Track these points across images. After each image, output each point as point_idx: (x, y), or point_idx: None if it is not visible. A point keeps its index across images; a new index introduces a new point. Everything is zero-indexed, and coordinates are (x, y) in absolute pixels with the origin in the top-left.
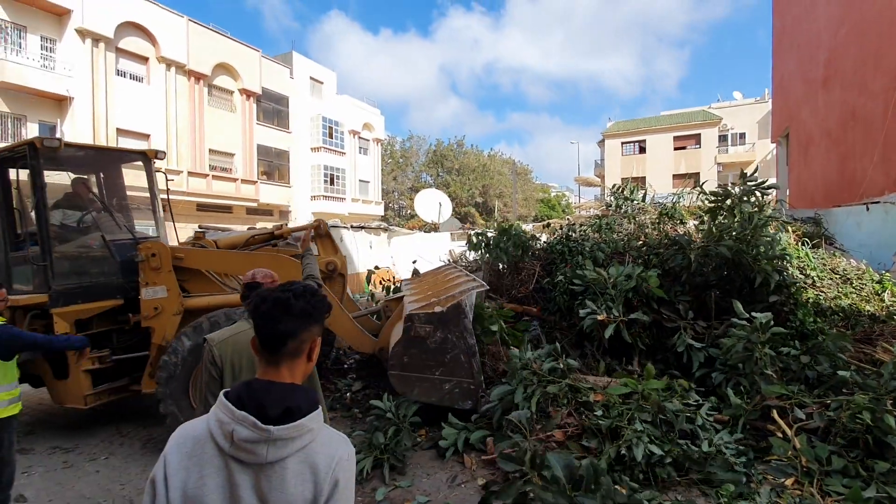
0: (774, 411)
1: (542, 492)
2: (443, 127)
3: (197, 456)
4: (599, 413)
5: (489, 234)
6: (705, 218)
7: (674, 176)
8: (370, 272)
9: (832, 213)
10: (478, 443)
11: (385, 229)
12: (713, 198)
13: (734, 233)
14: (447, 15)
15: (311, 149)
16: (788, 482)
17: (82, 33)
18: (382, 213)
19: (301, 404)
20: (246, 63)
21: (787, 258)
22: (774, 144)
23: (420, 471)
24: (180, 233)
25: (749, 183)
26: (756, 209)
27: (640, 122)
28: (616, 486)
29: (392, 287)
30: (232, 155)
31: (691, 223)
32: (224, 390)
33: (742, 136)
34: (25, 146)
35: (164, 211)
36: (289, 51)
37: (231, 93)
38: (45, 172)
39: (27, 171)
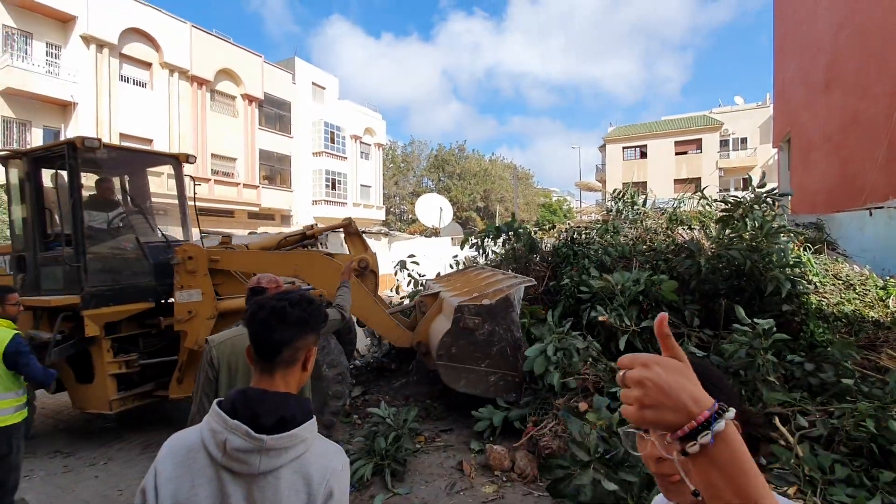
0: (776, 419)
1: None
2: (444, 131)
3: (189, 465)
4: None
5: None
6: (713, 226)
7: (675, 181)
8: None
9: (834, 218)
10: (517, 421)
11: (385, 234)
12: (724, 205)
13: (745, 241)
14: (448, 19)
15: (313, 153)
16: (791, 491)
17: (87, 39)
18: (384, 218)
19: (295, 414)
20: (248, 68)
21: (801, 266)
22: (776, 149)
23: (419, 478)
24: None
25: (759, 190)
26: (768, 217)
27: (642, 127)
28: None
29: (416, 285)
30: (234, 159)
31: (697, 230)
32: (217, 399)
33: (743, 140)
34: (64, 146)
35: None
36: (291, 56)
37: (233, 98)
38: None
39: (63, 171)
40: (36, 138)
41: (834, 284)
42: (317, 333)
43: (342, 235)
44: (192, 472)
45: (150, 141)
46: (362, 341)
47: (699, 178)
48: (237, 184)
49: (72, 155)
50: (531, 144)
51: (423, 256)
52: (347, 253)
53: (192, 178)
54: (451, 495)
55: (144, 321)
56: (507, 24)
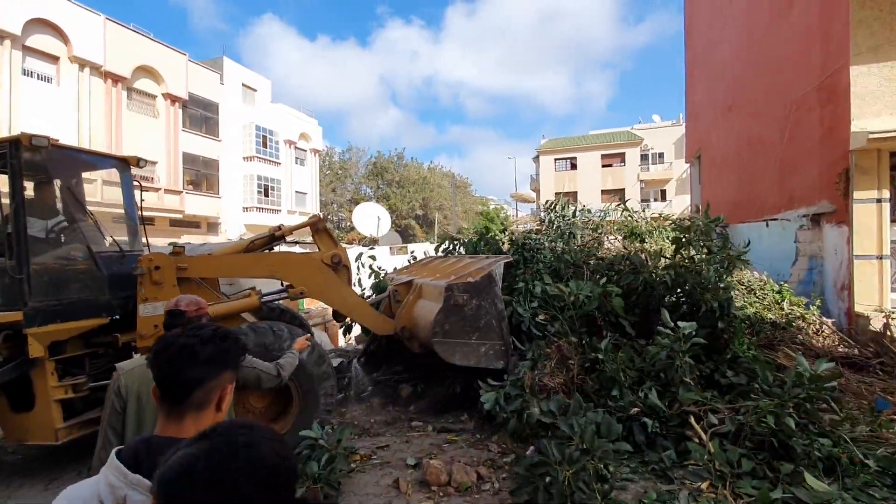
0: (692, 417)
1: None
2: (383, 137)
3: None
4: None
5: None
6: (668, 247)
7: (602, 191)
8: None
9: (737, 228)
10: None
11: None
12: (680, 229)
13: (691, 262)
14: (385, 26)
15: (244, 158)
16: (704, 486)
17: None
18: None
19: None
20: (171, 66)
21: (730, 290)
22: (688, 164)
23: (354, 499)
24: None
25: (706, 220)
26: (715, 245)
27: (571, 140)
28: None
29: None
30: (154, 163)
31: (626, 241)
32: (117, 448)
33: (661, 155)
34: (7, 143)
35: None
36: (219, 55)
37: (154, 97)
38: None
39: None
40: None
41: (738, 289)
42: (234, 370)
43: (275, 249)
44: None
45: (56, 140)
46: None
47: (623, 190)
48: (158, 189)
49: (14, 154)
50: (470, 153)
51: (361, 265)
52: (318, 251)
53: (140, 183)
54: None
55: (91, 339)
56: (445, 34)
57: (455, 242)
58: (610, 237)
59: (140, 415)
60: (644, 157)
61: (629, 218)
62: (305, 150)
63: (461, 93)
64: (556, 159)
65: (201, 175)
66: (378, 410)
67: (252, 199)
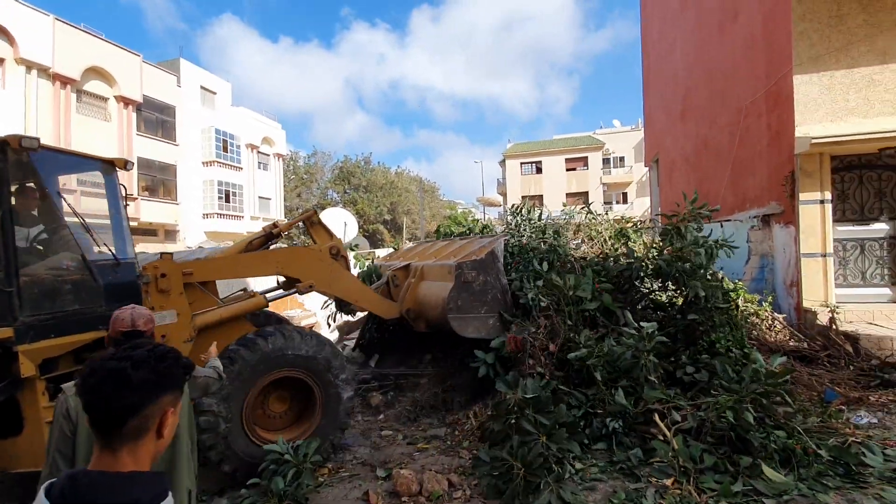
0: (656, 415)
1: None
2: (349, 141)
3: None
4: None
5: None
6: (657, 240)
7: (567, 194)
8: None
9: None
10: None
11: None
12: (668, 220)
13: (676, 251)
14: (350, 28)
15: (203, 163)
16: (668, 482)
17: None
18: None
19: (140, 497)
20: (124, 68)
21: (716, 282)
22: (647, 168)
23: None
24: None
25: (692, 206)
26: (699, 233)
27: (536, 145)
28: None
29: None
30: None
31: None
32: (46, 483)
33: (622, 159)
34: None
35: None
36: (176, 57)
37: (105, 100)
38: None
39: None
40: None
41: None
42: (175, 392)
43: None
44: None
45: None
46: None
47: (587, 192)
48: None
49: (1, 157)
50: (437, 157)
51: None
52: (313, 244)
53: (125, 188)
54: None
55: (82, 355)
56: (410, 38)
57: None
58: (584, 239)
59: (92, 438)
60: (606, 161)
61: (593, 221)
62: (269, 155)
63: (428, 97)
64: (521, 163)
65: (157, 181)
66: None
67: (213, 205)
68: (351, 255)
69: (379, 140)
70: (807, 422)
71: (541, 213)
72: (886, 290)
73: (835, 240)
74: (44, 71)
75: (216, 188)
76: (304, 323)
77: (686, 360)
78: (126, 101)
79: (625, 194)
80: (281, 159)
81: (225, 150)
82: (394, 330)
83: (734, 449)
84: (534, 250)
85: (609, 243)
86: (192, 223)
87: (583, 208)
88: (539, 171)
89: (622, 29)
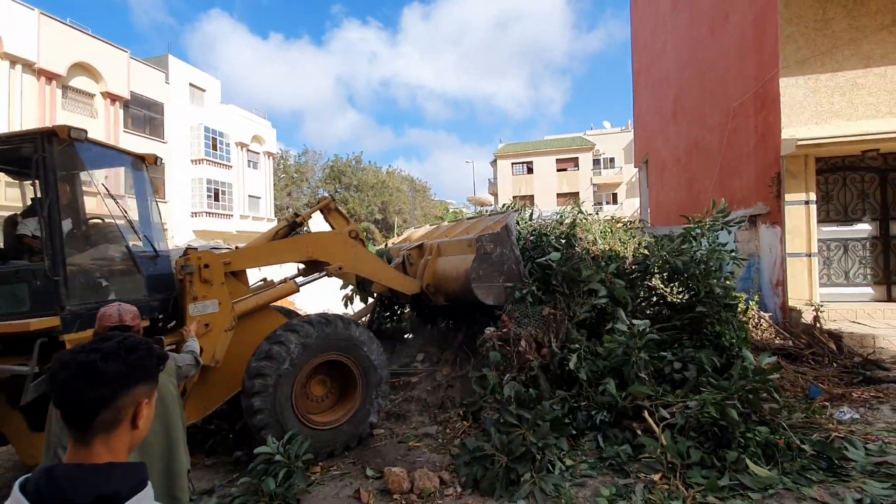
0: (646, 412)
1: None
2: (340, 140)
3: None
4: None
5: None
6: (674, 241)
7: (557, 195)
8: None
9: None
10: None
11: None
12: (689, 223)
13: (694, 254)
14: (341, 26)
15: (192, 161)
16: (657, 477)
17: None
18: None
19: (119, 489)
20: (111, 64)
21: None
22: (637, 169)
23: None
24: None
25: (719, 215)
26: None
27: (528, 145)
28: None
29: None
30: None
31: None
32: (21, 478)
33: (612, 160)
34: (40, 135)
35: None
36: (164, 53)
37: (92, 96)
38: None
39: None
40: None
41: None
42: (149, 383)
43: None
44: None
45: None
46: None
47: (577, 193)
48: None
49: (47, 147)
50: (428, 157)
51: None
52: (331, 230)
53: (153, 185)
54: None
55: None
56: (402, 36)
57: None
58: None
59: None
60: (596, 162)
61: (584, 220)
62: (258, 153)
63: (419, 95)
64: (513, 163)
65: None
66: None
67: (201, 203)
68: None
69: (370, 139)
70: (792, 417)
71: (531, 213)
72: (869, 290)
73: (819, 240)
74: (29, 66)
75: (205, 186)
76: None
77: (672, 357)
78: (113, 98)
79: (614, 195)
80: (271, 158)
81: (214, 148)
82: (382, 330)
83: (718, 444)
84: (547, 236)
85: (599, 243)
86: (180, 222)
87: (573, 208)
88: (530, 171)
89: (614, 29)
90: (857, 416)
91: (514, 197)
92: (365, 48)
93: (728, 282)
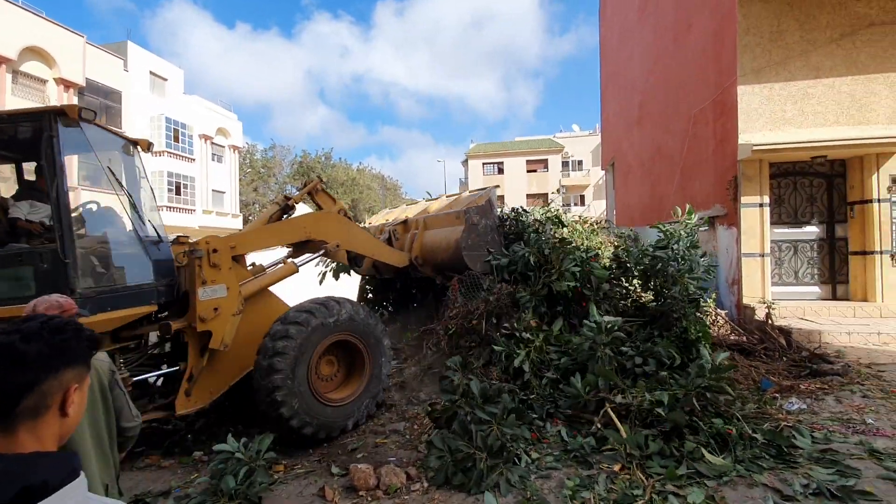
0: (608, 405)
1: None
2: (310, 136)
3: None
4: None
5: None
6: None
7: (527, 195)
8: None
9: (646, 230)
10: None
11: None
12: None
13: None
14: (312, 19)
15: (152, 153)
16: (616, 468)
17: None
18: (241, 228)
19: (48, 478)
20: (65, 49)
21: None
22: (604, 171)
23: None
24: None
25: (691, 217)
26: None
27: (499, 146)
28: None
29: None
30: None
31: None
32: None
33: (580, 162)
34: (48, 113)
35: None
36: (123, 40)
37: (44, 82)
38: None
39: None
40: None
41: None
42: (79, 367)
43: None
44: None
45: None
46: None
47: (547, 194)
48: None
49: (53, 127)
50: (401, 155)
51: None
52: (323, 209)
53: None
54: None
55: (119, 333)
56: (375, 32)
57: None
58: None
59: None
60: (565, 164)
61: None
62: (223, 147)
63: (392, 92)
64: (484, 163)
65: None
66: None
67: (162, 197)
68: None
69: (341, 135)
70: (745, 408)
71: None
72: (816, 289)
73: (772, 241)
74: None
75: (165, 179)
76: None
77: (633, 353)
78: (67, 84)
79: (582, 197)
80: (237, 152)
81: (176, 139)
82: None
83: (672, 435)
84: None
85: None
86: None
87: (544, 207)
88: (501, 171)
89: (585, 35)
90: (804, 406)
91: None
92: (336, 42)
93: (696, 282)
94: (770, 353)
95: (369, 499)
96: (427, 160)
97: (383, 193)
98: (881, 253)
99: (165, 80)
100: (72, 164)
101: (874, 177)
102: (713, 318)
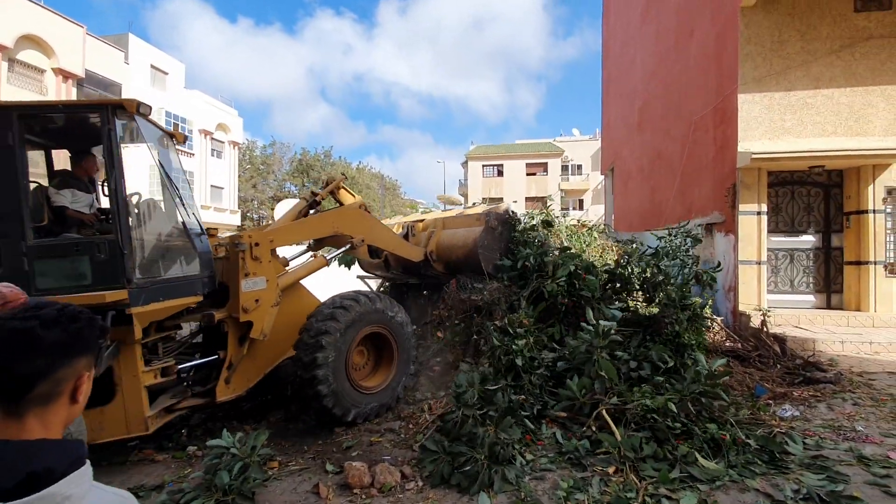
0: (602, 407)
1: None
2: (310, 133)
3: None
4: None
5: None
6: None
7: (526, 198)
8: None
9: (644, 235)
10: None
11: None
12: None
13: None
14: (314, 15)
15: None
16: (611, 470)
17: None
18: (239, 224)
19: (53, 465)
20: (64, 39)
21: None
22: (603, 176)
23: None
24: None
25: (685, 229)
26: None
27: (499, 148)
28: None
29: None
30: None
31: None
32: None
33: (579, 167)
34: (107, 106)
35: None
36: (125, 32)
37: (42, 71)
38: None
39: (103, 138)
40: None
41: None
42: (90, 356)
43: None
44: None
45: None
46: None
47: (545, 198)
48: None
49: (112, 120)
50: (401, 155)
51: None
52: (347, 205)
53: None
54: None
55: (164, 323)
56: (378, 30)
57: None
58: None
59: None
60: (565, 168)
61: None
62: (223, 142)
63: (394, 91)
64: (483, 165)
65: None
66: (298, 413)
67: (159, 191)
68: None
69: (342, 134)
70: (738, 414)
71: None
72: (811, 297)
73: (768, 249)
74: None
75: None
76: None
77: (628, 357)
78: (66, 75)
79: (581, 201)
80: (236, 147)
81: None
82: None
83: (666, 438)
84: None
85: (566, 243)
86: None
87: (541, 211)
88: (500, 173)
89: (589, 38)
90: (797, 413)
91: (483, 198)
92: (339, 39)
93: (695, 297)
94: (764, 360)
95: (363, 497)
96: (427, 160)
97: (382, 193)
98: (875, 263)
99: (166, 73)
100: (152, 155)
101: (870, 188)
102: (709, 324)
